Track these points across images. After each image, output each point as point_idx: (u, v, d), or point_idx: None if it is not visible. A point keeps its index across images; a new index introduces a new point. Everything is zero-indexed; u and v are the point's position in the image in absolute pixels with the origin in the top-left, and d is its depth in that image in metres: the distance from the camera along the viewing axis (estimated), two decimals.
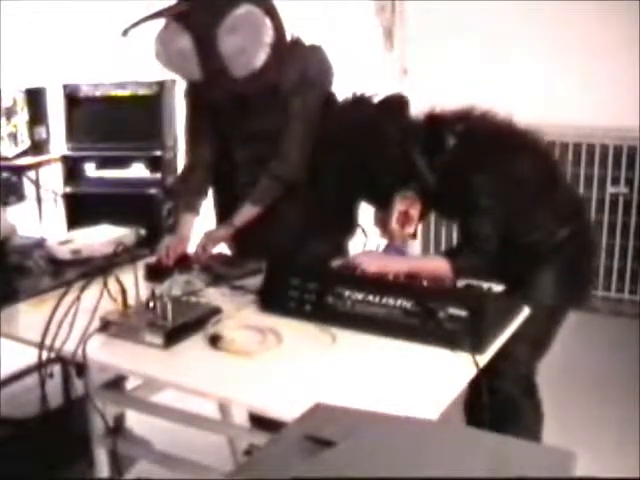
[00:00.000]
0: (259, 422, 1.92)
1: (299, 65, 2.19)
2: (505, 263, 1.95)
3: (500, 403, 2.06)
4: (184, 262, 2.19)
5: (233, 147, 2.35)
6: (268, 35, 2.05)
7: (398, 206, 2.04)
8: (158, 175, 4.39)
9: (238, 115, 2.27)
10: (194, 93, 2.37)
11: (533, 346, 2.09)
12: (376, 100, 2.04)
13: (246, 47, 2.03)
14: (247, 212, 2.28)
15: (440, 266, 1.90)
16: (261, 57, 2.04)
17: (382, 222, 2.12)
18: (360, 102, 2.05)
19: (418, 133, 2.00)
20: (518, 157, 1.98)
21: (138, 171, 4.44)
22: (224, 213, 2.43)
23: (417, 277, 1.84)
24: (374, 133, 1.97)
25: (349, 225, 2.37)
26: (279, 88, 2.18)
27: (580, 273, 2.15)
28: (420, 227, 3.99)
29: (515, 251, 1.99)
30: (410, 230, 2.06)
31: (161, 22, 2.13)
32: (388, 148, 1.96)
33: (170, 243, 2.26)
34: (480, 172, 1.92)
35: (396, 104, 2.03)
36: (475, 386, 1.69)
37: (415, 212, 2.04)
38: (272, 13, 2.09)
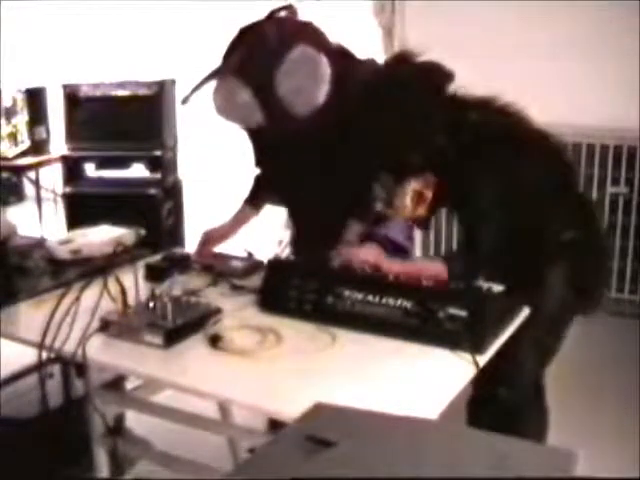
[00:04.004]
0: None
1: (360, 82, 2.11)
2: (510, 265, 1.92)
3: (505, 410, 2.04)
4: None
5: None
6: (325, 70, 2.02)
7: (413, 184, 1.97)
8: (158, 175, 4.38)
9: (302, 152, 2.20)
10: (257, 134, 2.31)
11: (539, 351, 2.06)
12: (418, 65, 1.98)
13: (305, 87, 2.01)
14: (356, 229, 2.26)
15: (438, 271, 1.88)
16: (322, 93, 2.02)
17: (388, 197, 2.05)
18: (403, 61, 2.00)
19: (445, 112, 1.94)
20: (529, 158, 1.94)
21: (138, 171, 4.44)
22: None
23: (414, 278, 1.82)
24: (411, 95, 1.92)
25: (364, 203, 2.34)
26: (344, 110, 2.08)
27: (588, 279, 2.09)
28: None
29: (520, 253, 1.96)
30: (421, 211, 2.01)
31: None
32: (421, 115, 1.90)
33: (211, 234, 2.33)
34: (488, 175, 1.89)
35: (439, 77, 1.98)
36: (479, 388, 1.68)
37: (429, 194, 1.98)
38: (324, 46, 2.06)
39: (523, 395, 2.09)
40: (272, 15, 2.12)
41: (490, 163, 1.90)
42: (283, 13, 2.09)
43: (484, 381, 1.72)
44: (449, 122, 1.92)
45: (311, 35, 2.07)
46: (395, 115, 1.89)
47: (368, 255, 1.94)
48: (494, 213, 1.90)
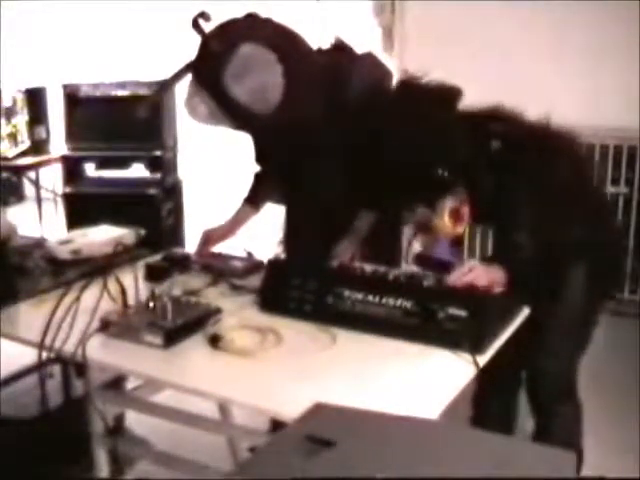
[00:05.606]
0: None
1: (361, 79, 2.10)
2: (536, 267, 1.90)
3: (543, 403, 2.13)
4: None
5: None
6: (274, 67, 1.96)
7: (449, 202, 1.93)
8: (158, 175, 4.39)
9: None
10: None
11: (575, 345, 2.11)
12: (427, 85, 1.96)
13: (256, 86, 1.96)
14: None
15: (497, 276, 1.83)
16: (276, 89, 1.96)
17: (422, 220, 2.01)
18: (410, 86, 1.99)
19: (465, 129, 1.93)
20: (558, 163, 1.94)
21: (138, 171, 4.44)
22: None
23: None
24: (430, 122, 1.89)
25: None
26: (343, 104, 2.06)
27: (607, 270, 2.11)
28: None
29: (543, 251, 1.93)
30: (460, 229, 1.98)
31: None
32: (444, 140, 1.88)
33: (211, 234, 2.34)
34: (524, 182, 1.88)
35: (450, 94, 1.96)
36: (482, 383, 1.69)
37: (466, 211, 1.95)
38: (275, 41, 2.00)
39: (560, 387, 2.15)
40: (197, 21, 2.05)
41: (522, 170, 1.89)
42: (200, 21, 2.04)
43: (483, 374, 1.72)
44: (472, 135, 1.92)
45: (256, 32, 2.00)
46: (414, 133, 1.87)
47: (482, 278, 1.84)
48: (535, 217, 1.88)
